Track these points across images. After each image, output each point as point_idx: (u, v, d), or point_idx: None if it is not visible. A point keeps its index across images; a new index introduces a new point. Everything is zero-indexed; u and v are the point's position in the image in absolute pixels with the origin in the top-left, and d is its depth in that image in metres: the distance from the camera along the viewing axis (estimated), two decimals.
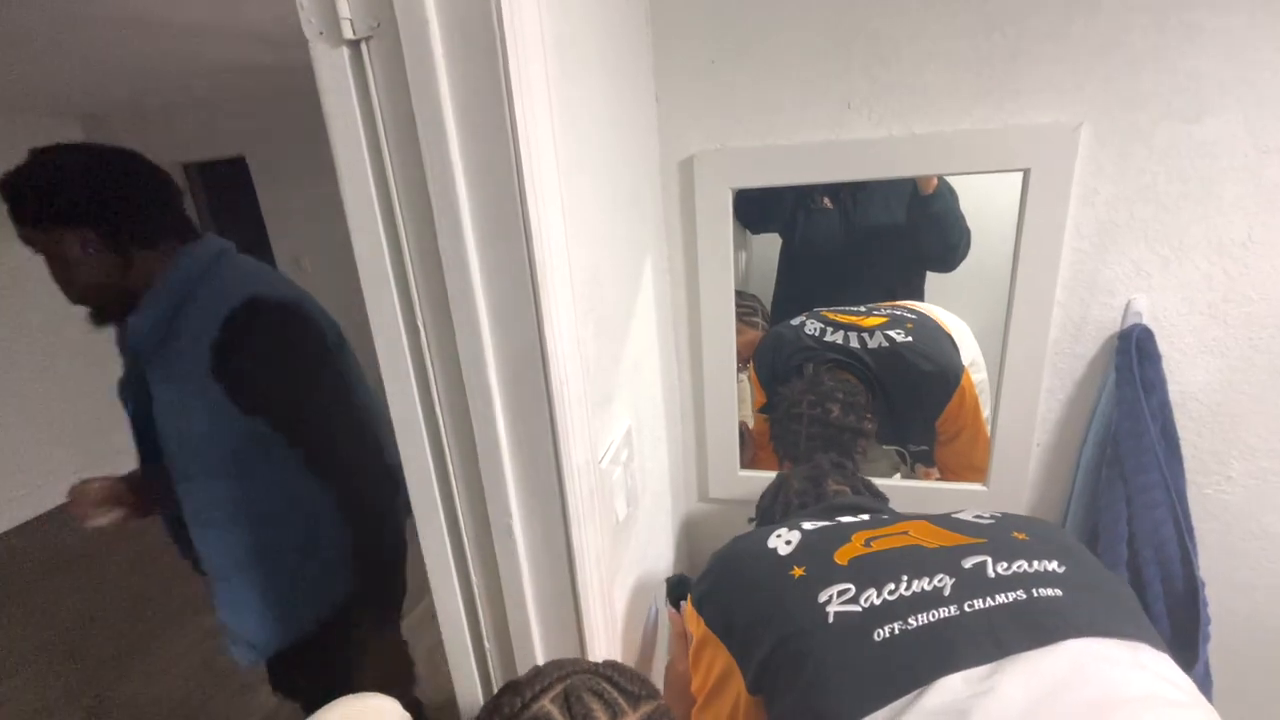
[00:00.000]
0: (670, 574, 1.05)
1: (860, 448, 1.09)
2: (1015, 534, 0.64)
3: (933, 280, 1.21)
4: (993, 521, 0.67)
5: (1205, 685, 0.89)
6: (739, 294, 1.05)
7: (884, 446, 1.18)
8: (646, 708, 0.52)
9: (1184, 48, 0.77)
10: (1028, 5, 0.79)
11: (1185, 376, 0.90)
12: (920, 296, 1.21)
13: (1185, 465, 0.91)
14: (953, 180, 1.09)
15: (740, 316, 1.23)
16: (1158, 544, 0.86)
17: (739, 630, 0.64)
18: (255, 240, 4.02)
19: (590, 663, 0.56)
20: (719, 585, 0.70)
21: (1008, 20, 0.80)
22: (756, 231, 1.28)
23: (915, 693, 0.50)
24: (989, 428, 1.01)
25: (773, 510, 0.89)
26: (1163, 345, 0.88)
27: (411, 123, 0.53)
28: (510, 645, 0.70)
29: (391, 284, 0.57)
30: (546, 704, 0.49)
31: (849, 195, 1.19)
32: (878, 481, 0.93)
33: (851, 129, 0.91)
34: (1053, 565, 0.59)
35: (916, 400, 1.11)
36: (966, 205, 1.10)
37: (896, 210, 1.17)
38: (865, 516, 0.72)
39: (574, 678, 0.51)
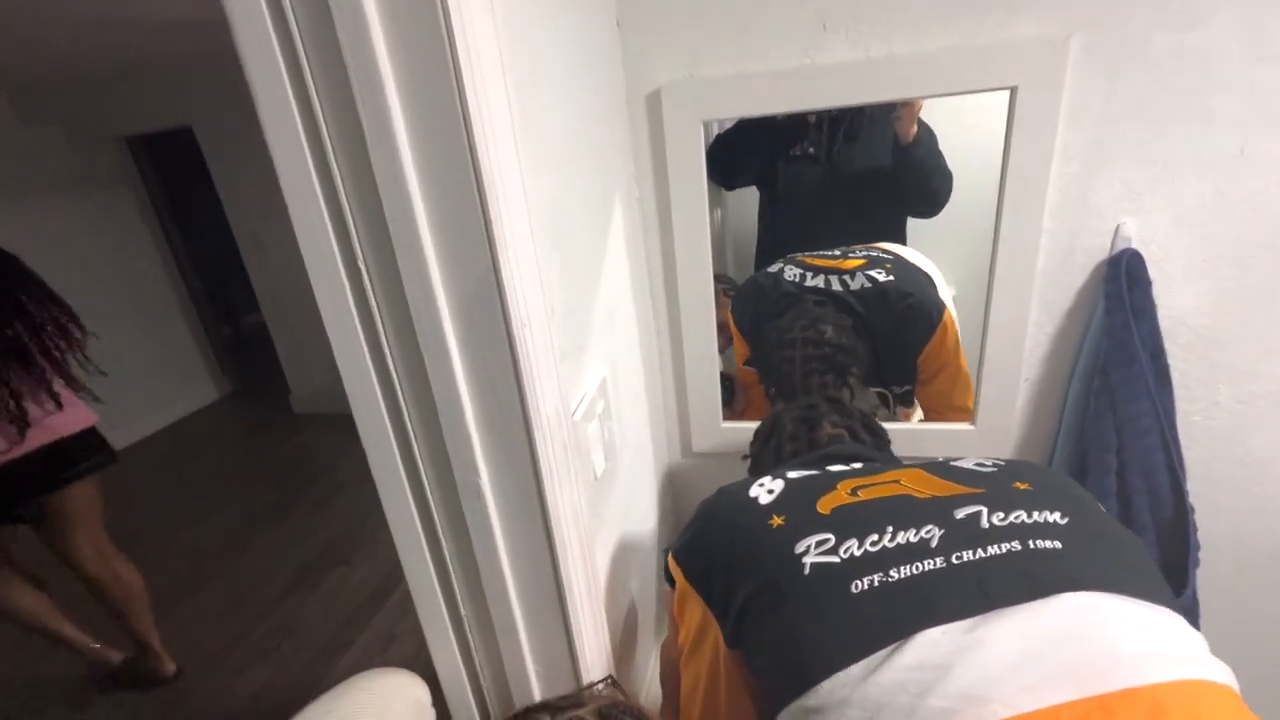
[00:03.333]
0: (659, 537, 1.02)
1: (854, 374, 1.05)
2: (1017, 484, 0.60)
3: (913, 224, 1.18)
4: (994, 470, 0.64)
5: (1193, 610, 0.90)
6: (716, 276, 1.01)
7: (869, 389, 1.16)
8: None
9: None
10: None
11: (1174, 302, 0.88)
12: (903, 241, 1.18)
13: (1174, 392, 0.89)
14: (929, 114, 1.05)
15: (724, 291, 1.19)
16: (1147, 472, 0.85)
17: (717, 583, 0.62)
18: (210, 216, 3.84)
19: (580, 711, 0.53)
20: (698, 536, 0.67)
21: None
22: (732, 187, 1.24)
23: (892, 646, 0.47)
24: (976, 365, 0.99)
25: (764, 456, 0.85)
26: (1152, 270, 0.85)
27: (334, 36, 0.46)
28: (487, 609, 0.66)
29: (326, 220, 0.51)
30: None
31: (830, 141, 1.15)
32: None
33: (828, 52, 0.85)
34: (1054, 516, 0.55)
35: (901, 337, 1.08)
36: (945, 147, 1.06)
37: (880, 155, 1.12)
38: (857, 465, 0.69)
39: None
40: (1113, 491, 0.87)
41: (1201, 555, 0.93)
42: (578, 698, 0.56)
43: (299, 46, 0.47)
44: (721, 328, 1.09)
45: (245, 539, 2.67)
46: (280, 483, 3.13)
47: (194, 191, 4.00)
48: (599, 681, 0.69)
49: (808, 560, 0.55)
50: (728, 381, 1.12)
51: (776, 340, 1.11)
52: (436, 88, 0.46)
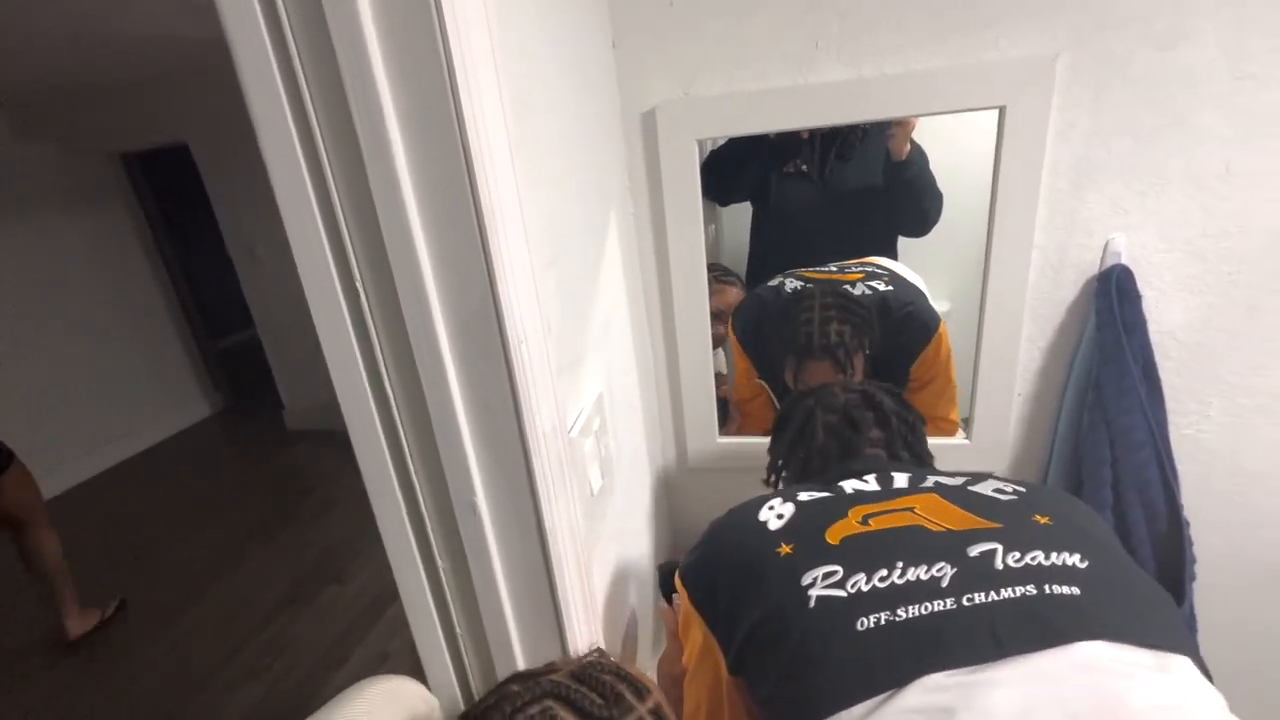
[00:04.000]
0: (655, 553, 1.01)
1: (869, 344, 1.03)
2: (1037, 516, 0.57)
3: (905, 240, 1.19)
4: (1014, 498, 0.61)
5: (1190, 625, 0.90)
6: (710, 265, 1.01)
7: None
8: None
9: None
10: None
11: (1164, 316, 0.89)
12: (894, 256, 1.19)
13: (1166, 406, 0.90)
14: (921, 134, 1.07)
15: (716, 278, 1.20)
16: (1142, 486, 0.85)
17: (721, 608, 0.60)
18: (205, 232, 3.84)
19: (554, 674, 0.50)
20: (705, 557, 0.65)
21: None
22: (726, 203, 1.25)
23: (893, 691, 0.46)
24: (970, 379, 0.99)
25: (791, 463, 0.81)
26: (1142, 285, 0.86)
27: (330, 49, 0.46)
28: (483, 627, 0.65)
29: (323, 237, 0.51)
30: None
31: (823, 159, 1.17)
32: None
33: (821, 71, 0.86)
34: (1074, 559, 0.53)
35: (898, 343, 1.09)
36: (937, 164, 1.08)
37: (872, 173, 1.14)
38: (871, 481, 0.66)
39: (527, 713, 0.44)
40: (1109, 504, 0.87)
41: (1199, 569, 0.93)
42: (554, 665, 0.53)
43: (297, 65, 0.47)
44: (717, 315, 1.09)
45: (237, 556, 2.64)
46: (272, 499, 3.10)
47: (188, 207, 4.01)
48: (587, 655, 0.66)
49: (814, 593, 0.53)
50: (720, 402, 1.12)
51: (792, 302, 1.09)
52: (434, 108, 0.47)
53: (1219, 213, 0.82)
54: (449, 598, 0.65)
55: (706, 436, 1.11)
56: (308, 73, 0.48)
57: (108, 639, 2.23)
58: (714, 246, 1.24)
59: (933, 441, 1.05)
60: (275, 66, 0.48)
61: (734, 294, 1.25)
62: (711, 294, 1.03)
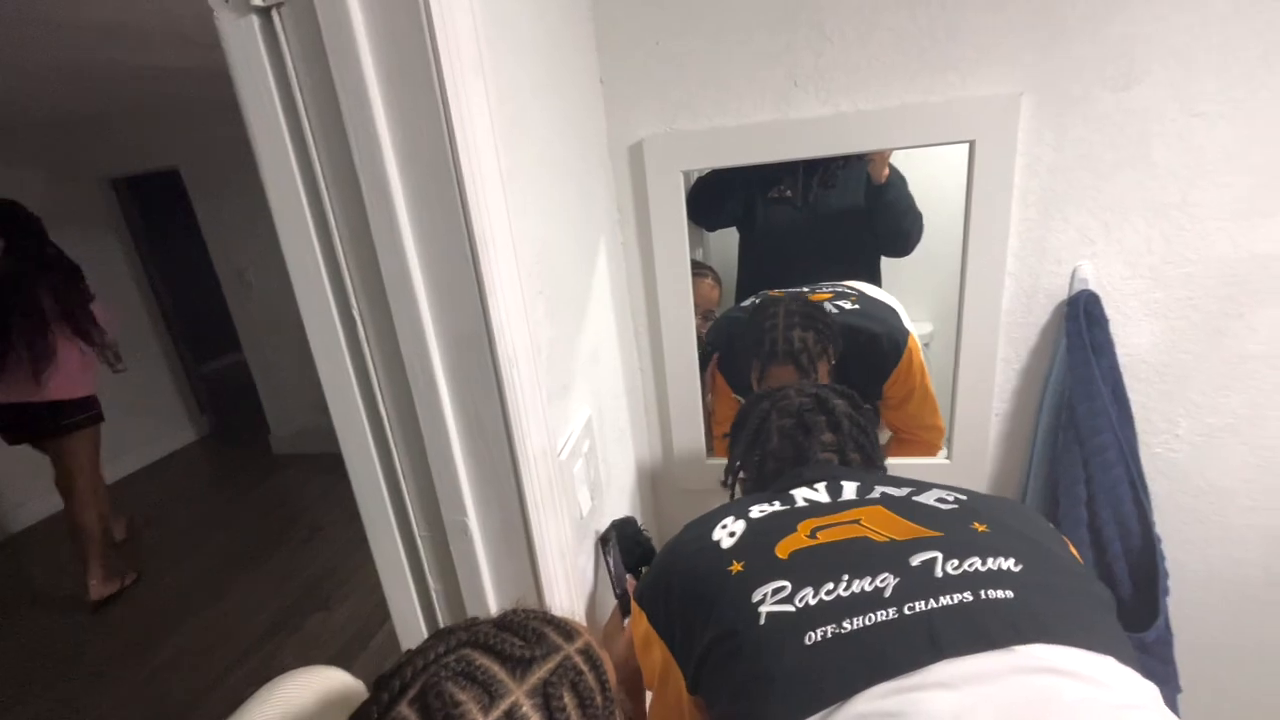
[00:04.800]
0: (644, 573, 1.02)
1: (833, 351, 1.06)
2: (975, 524, 0.60)
3: (890, 263, 1.23)
4: (955, 506, 0.64)
5: (1166, 639, 0.92)
6: (692, 263, 1.03)
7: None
8: (543, 669, 0.43)
9: (1113, 15, 0.79)
10: None
11: (1132, 339, 0.92)
12: (877, 280, 1.23)
13: (1136, 425, 0.93)
14: (901, 164, 1.11)
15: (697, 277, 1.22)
16: (1115, 503, 0.88)
17: (677, 629, 0.62)
18: (192, 256, 3.84)
19: (475, 627, 0.47)
20: (659, 580, 0.67)
21: None
22: (713, 228, 1.29)
23: (840, 703, 0.48)
24: (949, 399, 1.02)
25: (747, 463, 0.83)
26: (1109, 309, 0.90)
27: (333, 94, 0.49)
28: None
29: (321, 268, 0.53)
30: (403, 709, 0.40)
31: (807, 186, 1.21)
32: None
33: (799, 107, 0.90)
34: (1008, 564, 0.55)
35: (866, 364, 1.11)
36: (914, 190, 1.12)
37: (854, 196, 1.18)
38: (822, 490, 0.69)
39: (442, 663, 0.42)
40: (1084, 522, 0.90)
41: (1172, 585, 0.96)
42: (476, 619, 0.50)
43: (303, 118, 0.50)
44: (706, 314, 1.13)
45: (223, 581, 2.60)
46: (259, 524, 3.06)
47: (177, 231, 4.01)
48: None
49: (764, 610, 0.55)
50: (709, 425, 1.14)
51: (757, 310, 1.12)
52: (430, 144, 0.50)
53: (1177, 242, 0.86)
54: (440, 618, 0.66)
55: (695, 458, 1.13)
56: (309, 109, 0.50)
57: (82, 670, 2.18)
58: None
59: (915, 462, 1.09)
60: (279, 106, 0.50)
61: (707, 285, 1.27)
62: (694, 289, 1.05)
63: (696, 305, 1.05)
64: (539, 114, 0.70)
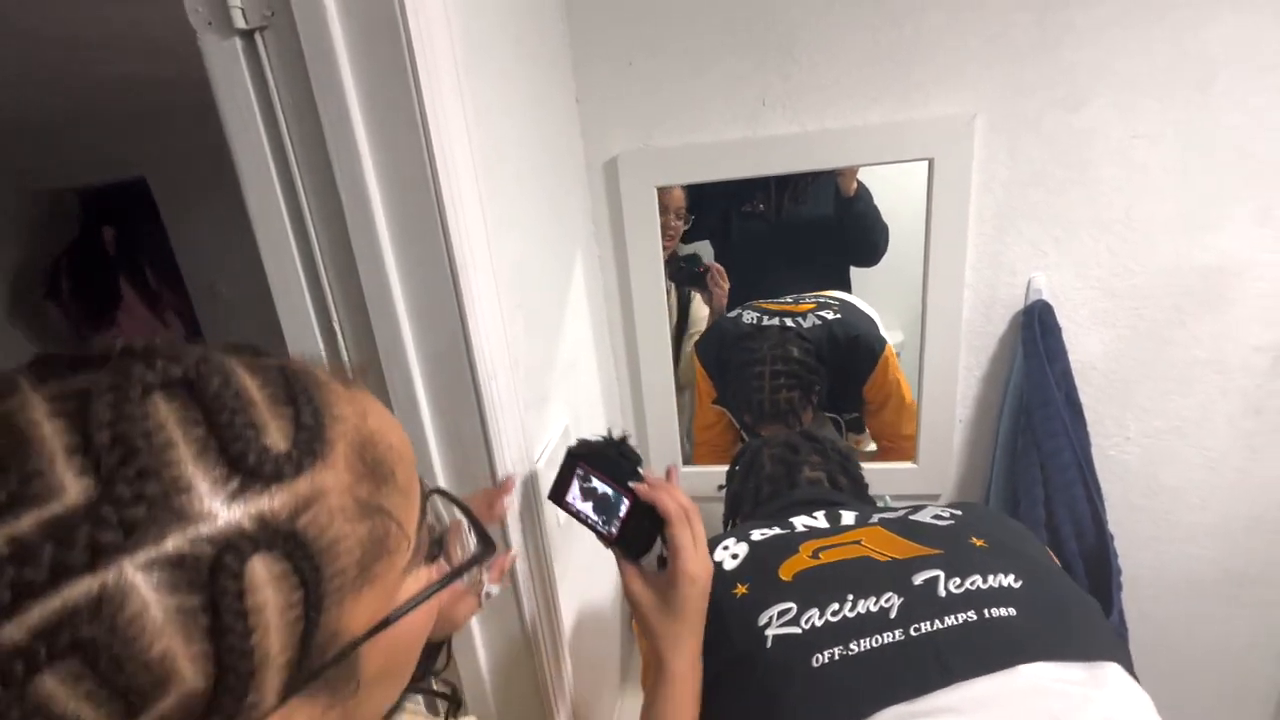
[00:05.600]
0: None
1: (817, 392, 1.10)
2: (974, 539, 0.61)
3: (860, 275, 1.27)
4: (951, 522, 0.65)
5: (1121, 632, 0.96)
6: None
7: (823, 414, 1.23)
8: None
9: (1061, 41, 0.84)
10: (922, 1, 0.84)
11: (1083, 347, 0.97)
12: (848, 289, 1.27)
13: (1089, 429, 0.98)
14: (866, 178, 1.15)
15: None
16: (1070, 503, 0.92)
17: None
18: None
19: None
20: None
21: (905, 16, 0.85)
22: (688, 241, 1.31)
23: None
24: (916, 408, 1.06)
25: (743, 493, 0.85)
26: (1061, 319, 0.95)
27: (315, 116, 0.50)
28: (456, 666, 0.67)
29: (303, 285, 0.54)
30: None
31: (779, 200, 1.25)
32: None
33: (768, 125, 0.94)
34: (1009, 580, 0.56)
35: (848, 368, 1.16)
36: (880, 203, 1.17)
37: (824, 208, 1.22)
38: (820, 517, 0.69)
39: None
40: (1042, 521, 0.94)
41: (1128, 582, 1.00)
42: None
43: (286, 139, 0.51)
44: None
45: None
46: None
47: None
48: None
49: (770, 633, 0.55)
50: (685, 433, 1.17)
51: (744, 359, 1.16)
52: (410, 163, 0.51)
53: (1123, 254, 0.91)
54: None
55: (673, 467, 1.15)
56: (291, 129, 0.52)
57: None
58: None
59: (886, 466, 1.12)
60: (262, 126, 0.51)
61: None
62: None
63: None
64: (516, 133, 0.72)
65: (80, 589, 0.19)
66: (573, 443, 0.67)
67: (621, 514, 0.61)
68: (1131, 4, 0.81)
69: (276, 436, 0.24)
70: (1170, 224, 0.89)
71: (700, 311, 1.27)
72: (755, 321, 1.21)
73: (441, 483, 0.60)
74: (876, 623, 0.54)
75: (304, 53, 0.49)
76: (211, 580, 0.21)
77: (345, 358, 0.56)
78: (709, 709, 0.58)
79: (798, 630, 0.55)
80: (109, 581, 0.19)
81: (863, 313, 1.19)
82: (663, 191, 1.02)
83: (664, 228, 1.19)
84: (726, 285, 1.23)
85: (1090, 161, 0.88)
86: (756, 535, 0.67)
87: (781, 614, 0.56)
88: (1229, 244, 0.89)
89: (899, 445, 1.16)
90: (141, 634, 0.19)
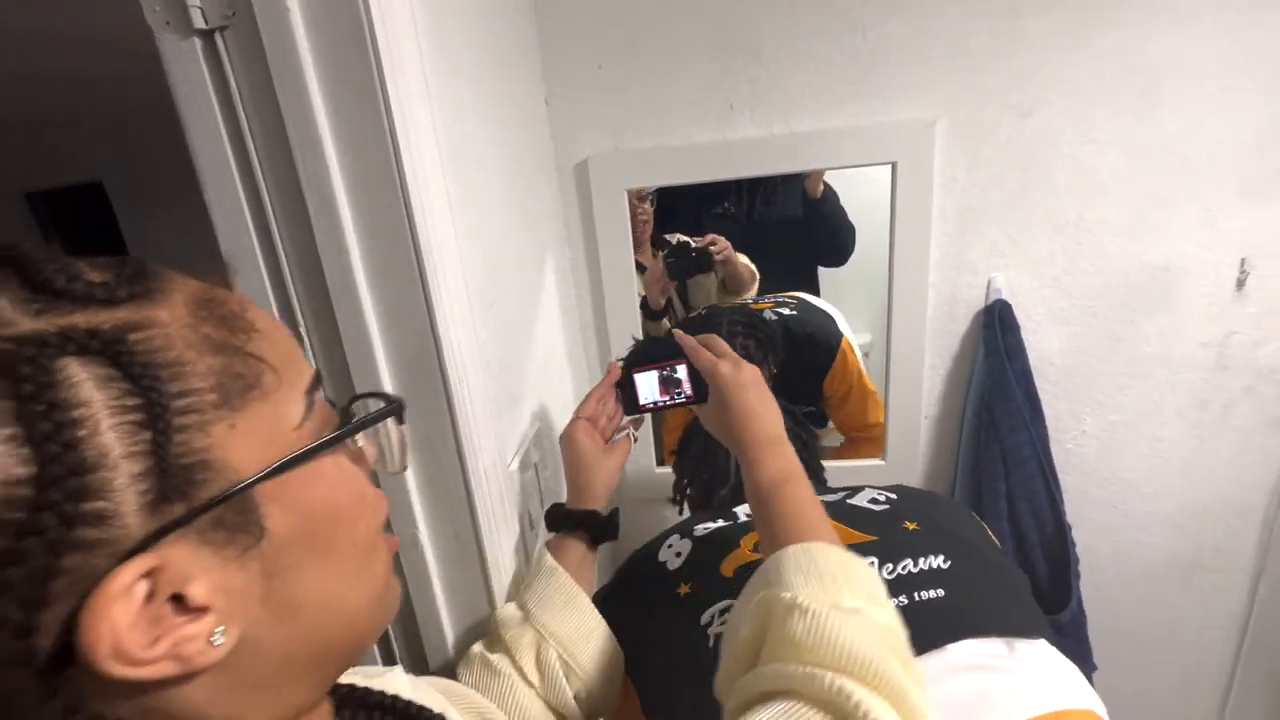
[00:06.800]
0: (597, 582, 1.03)
1: (773, 358, 1.09)
2: (906, 523, 0.63)
3: (829, 276, 1.30)
4: (886, 507, 0.67)
5: (1079, 620, 0.99)
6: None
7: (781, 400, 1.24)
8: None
9: (1014, 50, 0.87)
10: (883, 9, 0.87)
11: (1041, 344, 1.01)
12: (816, 290, 1.29)
13: (1048, 424, 1.01)
14: (834, 181, 1.18)
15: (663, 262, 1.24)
16: (1030, 496, 0.95)
17: (630, 652, 0.63)
18: None
19: None
20: (611, 603, 0.67)
21: (866, 25, 0.88)
22: (661, 245, 1.33)
23: None
24: (884, 407, 1.08)
25: (695, 486, 0.85)
26: (1020, 317, 0.98)
27: (279, 118, 0.50)
28: (426, 665, 0.66)
29: (268, 290, 0.54)
30: None
31: (750, 203, 1.26)
32: None
33: (737, 129, 0.95)
34: (938, 561, 0.59)
35: (806, 362, 1.17)
36: (848, 205, 1.19)
37: (793, 211, 1.24)
38: None
39: None
40: (1004, 514, 0.97)
41: (1086, 570, 1.04)
42: None
43: (248, 141, 0.50)
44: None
45: None
46: None
47: (102, 248, 3.80)
48: None
49: (713, 630, 0.57)
50: (657, 434, 1.17)
51: (705, 322, 1.14)
52: (377, 167, 0.51)
53: (1076, 254, 0.95)
54: (390, 632, 0.66)
55: (643, 468, 1.16)
56: (254, 132, 0.51)
57: None
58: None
59: (852, 464, 1.14)
60: (223, 129, 0.51)
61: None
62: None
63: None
64: (485, 134, 0.72)
65: None
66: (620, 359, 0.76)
67: (684, 376, 0.70)
68: (1080, 15, 0.84)
69: (94, 274, 0.24)
70: (1119, 226, 0.93)
71: (708, 287, 1.26)
72: (709, 309, 1.24)
73: (412, 490, 0.59)
74: None
75: (266, 54, 0.48)
76: (15, 369, 0.20)
77: (311, 362, 0.56)
78: (656, 709, 0.59)
79: None
80: None
81: (820, 309, 1.22)
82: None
83: (634, 217, 1.20)
84: (724, 242, 1.21)
85: (1044, 165, 0.91)
86: (700, 531, 0.68)
87: (724, 611, 0.58)
88: (1173, 245, 0.93)
89: (868, 434, 1.18)
90: None
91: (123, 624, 0.22)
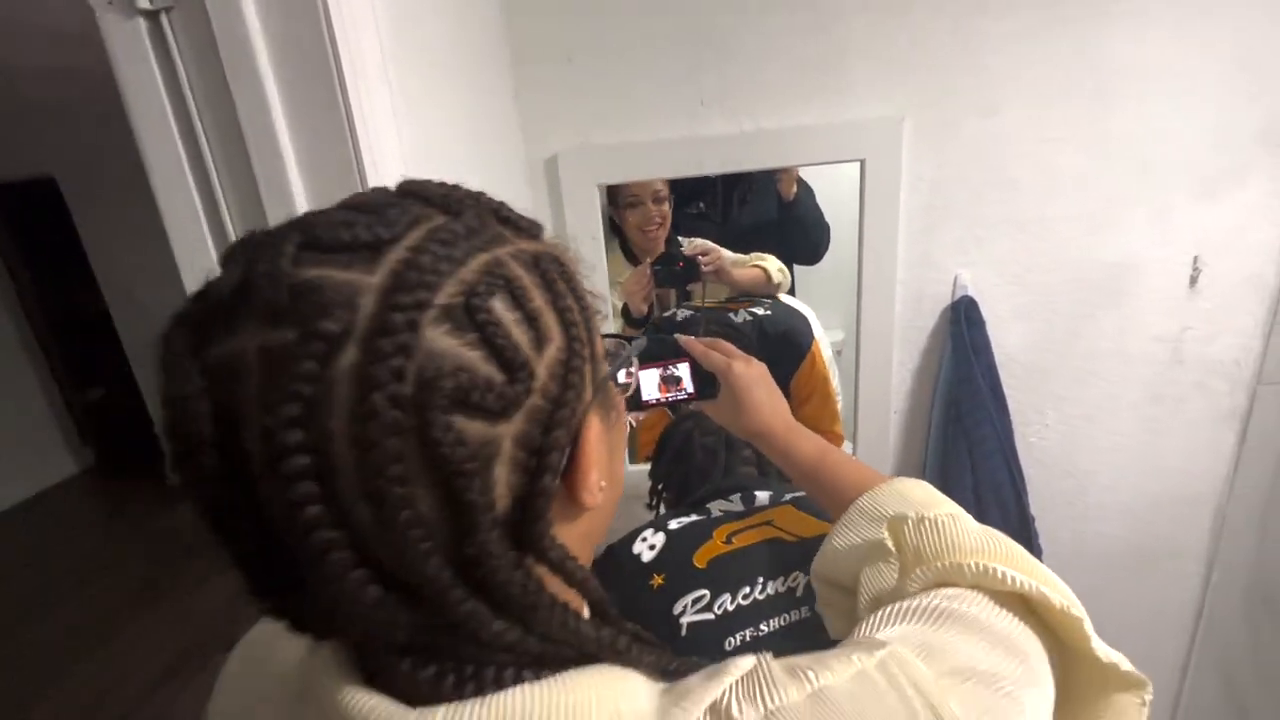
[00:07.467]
0: None
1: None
2: None
3: (803, 275, 1.31)
4: None
5: None
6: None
7: None
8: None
9: (976, 49, 0.88)
10: (850, 6, 0.87)
11: (1005, 339, 1.03)
12: (791, 289, 1.30)
13: (1012, 418, 1.03)
14: (812, 179, 1.19)
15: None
16: (996, 487, 0.97)
17: None
18: (74, 272, 3.52)
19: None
20: None
21: (831, 22, 0.88)
22: (683, 233, 1.32)
23: None
24: (853, 401, 1.09)
25: (671, 481, 0.86)
26: (985, 313, 1.00)
27: (230, 105, 0.48)
28: None
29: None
30: None
31: (726, 202, 1.27)
32: None
33: (707, 124, 0.95)
34: None
35: (777, 360, 1.17)
36: (824, 204, 1.21)
37: (767, 211, 1.25)
38: (736, 500, 0.71)
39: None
40: (971, 505, 0.98)
41: (1049, 559, 1.06)
42: None
43: (197, 127, 0.48)
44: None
45: (109, 627, 2.36)
46: (151, 562, 2.81)
47: (54, 245, 3.65)
48: None
49: (685, 620, 0.57)
50: (631, 431, 1.17)
51: (682, 325, 1.19)
52: (334, 150, 0.49)
53: (1036, 252, 0.97)
54: None
55: None
56: (203, 118, 0.49)
57: None
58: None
59: None
60: (170, 113, 0.49)
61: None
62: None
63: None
64: (451, 127, 0.71)
65: (479, 261, 0.26)
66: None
67: (686, 374, 0.68)
68: (1037, 18, 0.86)
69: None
70: (1077, 223, 0.95)
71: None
72: (686, 317, 1.24)
73: None
74: (785, 603, 0.57)
75: (215, 37, 0.46)
76: (543, 269, 0.28)
77: None
78: None
79: (711, 616, 0.57)
80: (499, 256, 0.27)
81: (794, 309, 1.23)
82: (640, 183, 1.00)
83: (647, 220, 1.20)
84: (716, 253, 1.21)
85: (1006, 164, 0.93)
86: (674, 525, 0.69)
87: (696, 601, 0.58)
88: (1129, 242, 0.96)
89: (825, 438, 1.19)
90: (527, 293, 0.27)
91: (593, 459, 0.29)
